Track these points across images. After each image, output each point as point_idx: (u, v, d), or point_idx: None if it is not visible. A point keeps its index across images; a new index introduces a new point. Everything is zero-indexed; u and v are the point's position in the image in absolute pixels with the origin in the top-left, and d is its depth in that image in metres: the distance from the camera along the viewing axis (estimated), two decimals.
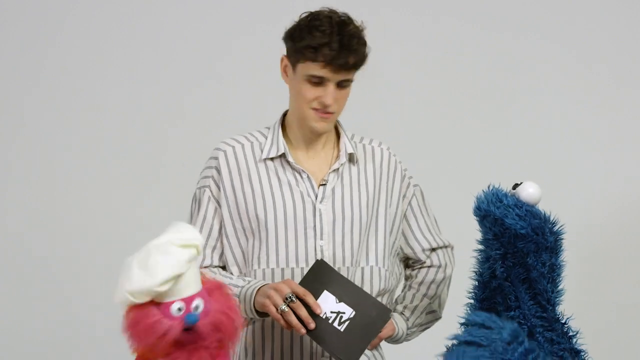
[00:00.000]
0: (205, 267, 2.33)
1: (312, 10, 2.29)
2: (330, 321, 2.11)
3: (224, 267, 2.37)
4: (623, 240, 3.87)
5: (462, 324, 2.15)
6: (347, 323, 2.11)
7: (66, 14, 3.98)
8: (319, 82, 2.23)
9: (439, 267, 2.50)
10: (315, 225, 2.29)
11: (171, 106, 3.98)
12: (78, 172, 3.97)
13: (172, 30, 3.99)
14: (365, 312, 2.12)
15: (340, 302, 2.13)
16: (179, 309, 1.84)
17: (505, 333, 2.03)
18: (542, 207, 2.13)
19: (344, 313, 2.12)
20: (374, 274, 2.36)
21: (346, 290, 2.14)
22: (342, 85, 2.25)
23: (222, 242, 2.34)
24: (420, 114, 3.95)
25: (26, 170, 3.97)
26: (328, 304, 2.12)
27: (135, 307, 1.85)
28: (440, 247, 2.50)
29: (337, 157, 2.36)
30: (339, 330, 2.10)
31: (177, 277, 1.84)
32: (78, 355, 3.93)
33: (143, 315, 1.82)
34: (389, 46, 3.92)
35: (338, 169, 2.35)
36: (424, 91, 3.95)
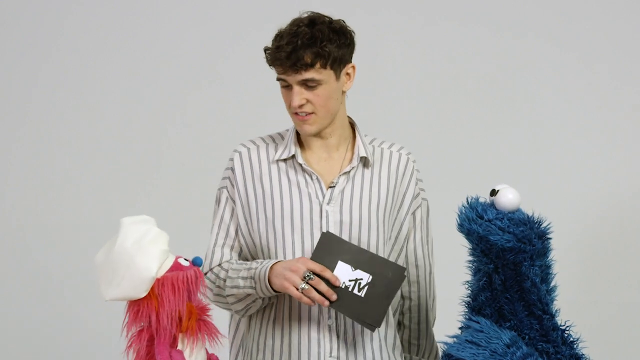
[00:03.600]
0: (226, 261, 2.37)
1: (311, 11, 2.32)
2: (350, 289, 2.18)
3: None
4: (621, 239, 3.87)
5: (461, 328, 2.15)
6: (366, 288, 2.18)
7: (66, 16, 3.99)
8: (286, 85, 2.29)
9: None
10: (321, 227, 2.31)
11: (171, 107, 3.98)
12: (78, 171, 3.97)
13: (172, 32, 3.99)
14: (381, 274, 2.19)
15: (356, 269, 2.19)
16: (185, 259, 2.07)
17: (505, 337, 2.04)
18: (534, 207, 2.12)
19: (361, 279, 2.19)
20: None
21: (359, 257, 2.20)
22: (309, 85, 2.26)
23: (239, 242, 2.39)
24: (420, 115, 3.95)
25: (26, 170, 3.97)
26: (345, 273, 2.19)
27: (159, 279, 2.05)
28: (423, 269, 2.48)
29: (351, 160, 2.38)
30: (360, 297, 2.17)
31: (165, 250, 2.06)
32: (77, 355, 3.94)
33: (175, 277, 2.03)
34: (389, 47, 3.92)
35: (349, 172, 2.36)
36: (424, 92, 3.95)
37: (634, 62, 3.89)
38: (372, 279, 2.18)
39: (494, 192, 2.09)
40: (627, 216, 3.87)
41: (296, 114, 2.29)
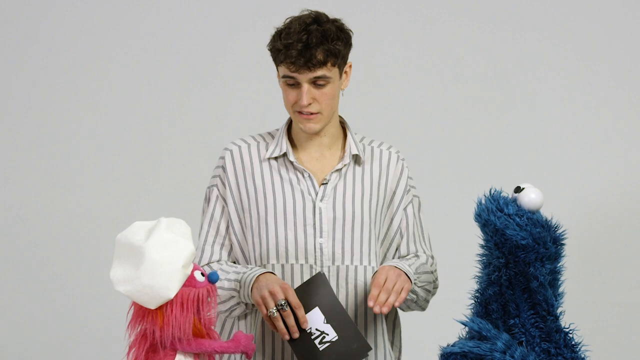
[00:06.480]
0: (216, 261, 2.38)
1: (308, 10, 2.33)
2: (312, 337, 2.17)
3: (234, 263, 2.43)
4: (621, 239, 3.87)
5: (461, 322, 2.15)
6: (327, 345, 2.16)
7: (66, 15, 3.99)
8: (293, 83, 2.28)
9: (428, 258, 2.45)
10: (315, 223, 2.33)
11: (171, 106, 3.98)
12: (78, 171, 3.97)
13: (172, 30, 3.99)
14: (347, 341, 2.16)
15: (327, 323, 2.18)
16: (202, 274, 2.01)
17: (500, 342, 2.05)
18: (545, 210, 2.12)
19: (327, 335, 2.17)
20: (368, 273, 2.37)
21: (336, 314, 2.18)
22: (318, 84, 2.28)
23: (230, 240, 2.40)
24: (420, 115, 3.95)
25: (27, 169, 3.97)
26: (316, 321, 2.18)
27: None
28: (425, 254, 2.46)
29: (342, 157, 2.39)
30: (318, 349, 2.16)
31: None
32: (79, 354, 3.94)
33: (186, 294, 1.96)
34: (389, 47, 3.92)
35: (341, 169, 2.38)
36: (424, 92, 3.95)
37: (634, 62, 3.89)
38: (337, 340, 2.16)
39: (518, 189, 2.10)
40: (627, 216, 3.87)
41: (300, 112, 2.30)
